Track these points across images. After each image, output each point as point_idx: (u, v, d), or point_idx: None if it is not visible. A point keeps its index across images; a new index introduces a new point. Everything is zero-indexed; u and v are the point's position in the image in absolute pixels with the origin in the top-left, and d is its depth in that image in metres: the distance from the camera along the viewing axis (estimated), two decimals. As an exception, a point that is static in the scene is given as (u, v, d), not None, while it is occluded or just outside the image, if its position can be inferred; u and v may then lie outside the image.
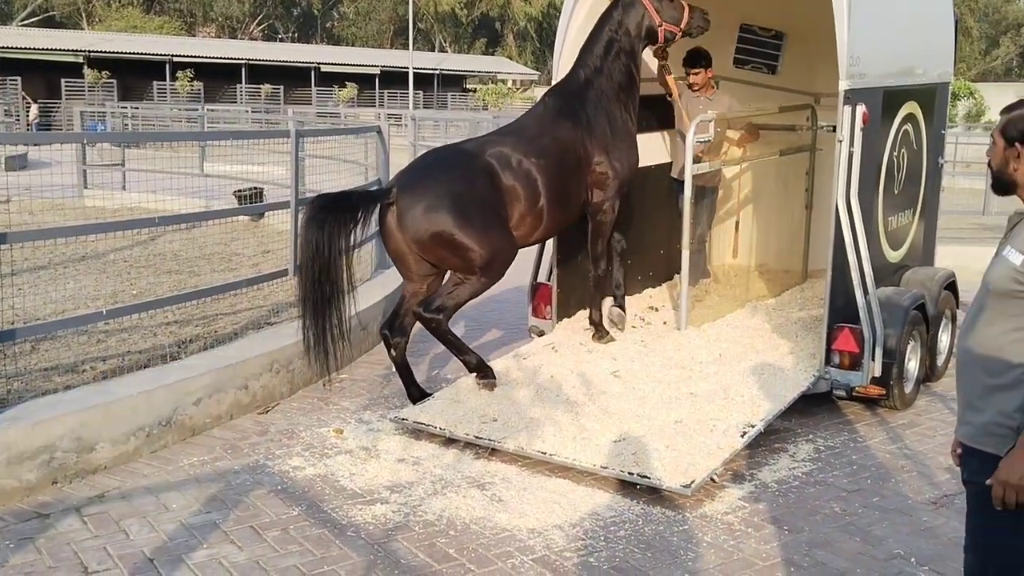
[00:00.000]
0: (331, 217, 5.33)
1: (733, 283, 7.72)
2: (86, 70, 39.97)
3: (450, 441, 5.41)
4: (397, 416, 5.69)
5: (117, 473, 4.94)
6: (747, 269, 7.91)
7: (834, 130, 5.86)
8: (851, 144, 5.64)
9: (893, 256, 6.57)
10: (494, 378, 5.85)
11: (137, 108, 29.66)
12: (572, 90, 6.33)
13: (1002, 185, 2.94)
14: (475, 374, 5.88)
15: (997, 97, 29.83)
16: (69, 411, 4.85)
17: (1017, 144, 2.82)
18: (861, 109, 5.60)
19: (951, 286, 6.89)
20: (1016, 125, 2.83)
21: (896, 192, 6.45)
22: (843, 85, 5.54)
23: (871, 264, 5.83)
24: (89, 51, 41.18)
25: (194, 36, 60.02)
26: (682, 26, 6.49)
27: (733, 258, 8.01)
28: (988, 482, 2.77)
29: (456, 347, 5.90)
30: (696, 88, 7.30)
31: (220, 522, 4.43)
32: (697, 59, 7.26)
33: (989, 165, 2.96)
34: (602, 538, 4.36)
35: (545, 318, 6.84)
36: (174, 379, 5.42)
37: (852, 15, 5.52)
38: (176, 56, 43.30)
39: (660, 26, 6.40)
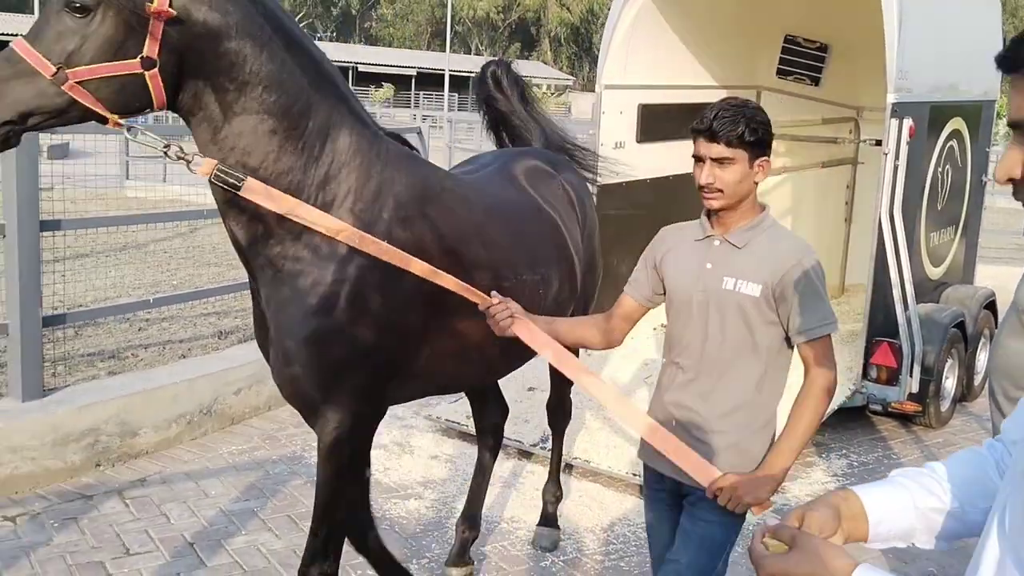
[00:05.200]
0: None
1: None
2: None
3: (484, 440, 5.44)
4: (430, 413, 5.74)
5: (158, 459, 5.03)
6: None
7: (878, 144, 5.84)
8: (896, 158, 5.62)
9: (934, 273, 6.53)
10: None
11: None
12: None
13: None
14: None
15: (1039, 117, 29.41)
16: (114, 396, 4.95)
17: None
18: (908, 123, 5.58)
19: (991, 305, 6.84)
20: None
21: (939, 208, 6.41)
22: (890, 98, 5.52)
23: (912, 279, 5.81)
24: (132, 44, 41.76)
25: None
26: None
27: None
28: None
29: None
30: (712, 199, 2.54)
31: (258, 510, 4.50)
32: (740, 129, 2.49)
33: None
34: (633, 543, 4.38)
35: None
36: (216, 369, 5.51)
37: (902, 28, 5.50)
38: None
39: None
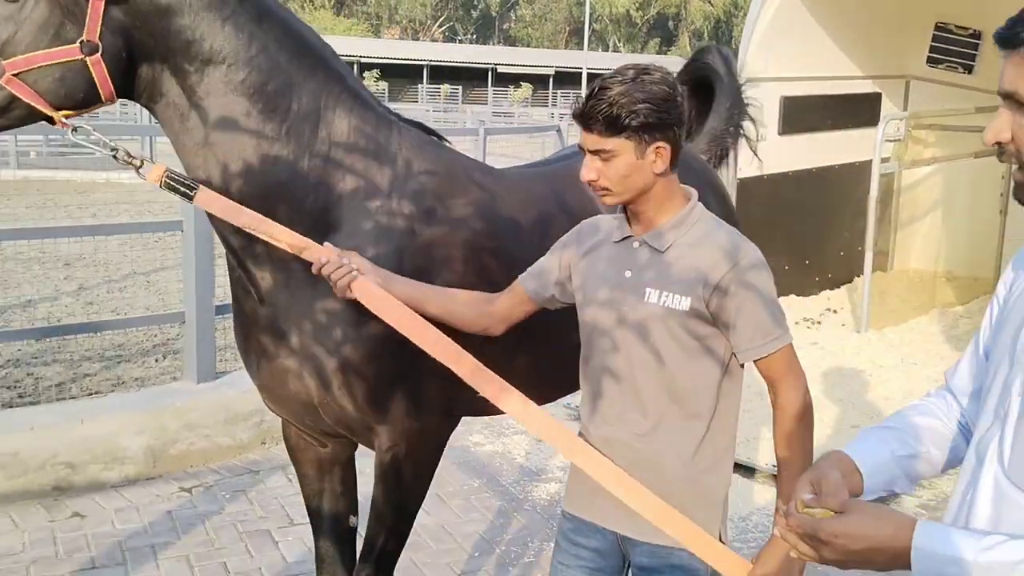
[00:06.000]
0: None
1: (917, 289, 7.50)
2: (280, 70, 42.53)
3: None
4: (568, 403, 5.89)
5: (316, 438, 5.38)
6: (933, 275, 7.66)
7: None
8: (1055, 146, 5.39)
9: (1097, 265, 6.23)
10: None
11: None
12: None
13: None
14: None
15: None
16: (276, 379, 5.32)
17: None
18: (1067, 109, 5.35)
19: None
20: None
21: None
22: (1048, 84, 5.30)
23: (1072, 272, 5.57)
24: (284, 52, 43.78)
25: (380, 38, 62.65)
26: None
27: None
28: None
29: None
30: (603, 195, 2.09)
31: (408, 488, 4.76)
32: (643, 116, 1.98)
33: None
34: (770, 533, 4.39)
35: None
36: (367, 356, 5.82)
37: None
38: (363, 57, 45.38)
39: None
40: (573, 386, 2.45)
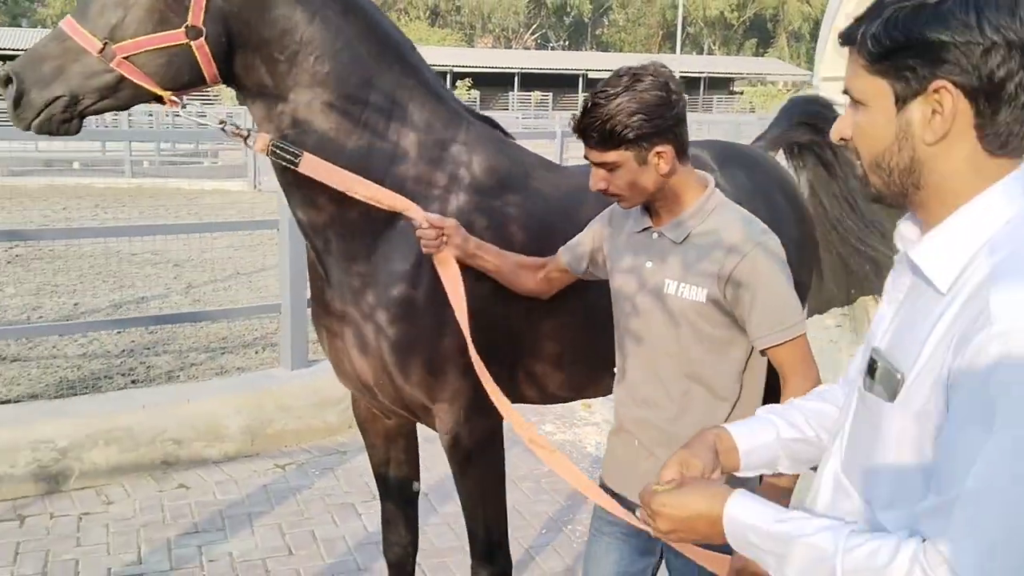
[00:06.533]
0: None
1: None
2: (376, 80, 43.61)
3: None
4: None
5: (399, 424, 5.74)
6: None
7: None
8: None
9: None
10: None
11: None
12: None
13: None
14: None
15: None
16: (363, 368, 5.70)
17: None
18: None
19: None
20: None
21: None
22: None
23: None
24: (380, 62, 44.87)
25: (473, 47, 63.52)
26: None
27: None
28: None
29: None
30: (618, 202, 2.22)
31: (483, 470, 5.07)
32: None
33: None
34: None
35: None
36: (448, 348, 6.16)
37: None
38: (456, 66, 46.16)
39: None
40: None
